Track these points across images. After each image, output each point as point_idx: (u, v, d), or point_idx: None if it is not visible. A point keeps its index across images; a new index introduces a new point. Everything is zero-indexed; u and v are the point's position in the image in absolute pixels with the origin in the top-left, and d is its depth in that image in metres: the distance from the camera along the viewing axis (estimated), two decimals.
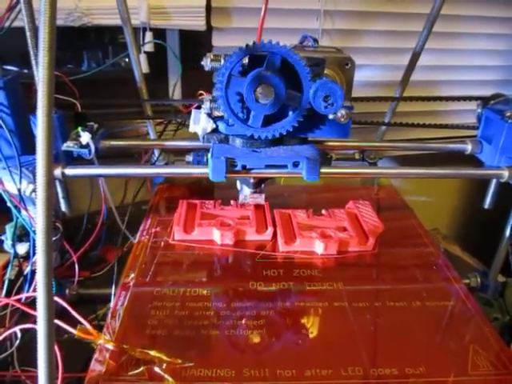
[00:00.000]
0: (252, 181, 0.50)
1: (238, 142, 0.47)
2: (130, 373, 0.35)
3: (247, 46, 0.41)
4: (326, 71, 0.46)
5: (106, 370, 0.35)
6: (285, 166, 0.45)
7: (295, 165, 0.45)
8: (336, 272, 0.48)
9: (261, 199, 0.52)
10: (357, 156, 0.78)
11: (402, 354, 0.38)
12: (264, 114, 0.43)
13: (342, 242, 0.51)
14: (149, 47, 0.71)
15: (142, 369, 0.36)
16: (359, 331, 0.40)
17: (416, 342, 0.40)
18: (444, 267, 0.50)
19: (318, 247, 0.51)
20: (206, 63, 0.44)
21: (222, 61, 0.43)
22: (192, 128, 0.48)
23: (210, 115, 0.47)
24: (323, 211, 0.57)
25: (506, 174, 0.49)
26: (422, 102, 0.67)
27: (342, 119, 0.44)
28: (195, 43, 0.78)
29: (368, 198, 0.62)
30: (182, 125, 0.72)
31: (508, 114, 0.52)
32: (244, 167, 0.45)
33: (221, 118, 0.46)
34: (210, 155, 0.45)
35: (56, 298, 0.43)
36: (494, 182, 0.52)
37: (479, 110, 0.58)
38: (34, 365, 0.33)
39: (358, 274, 0.49)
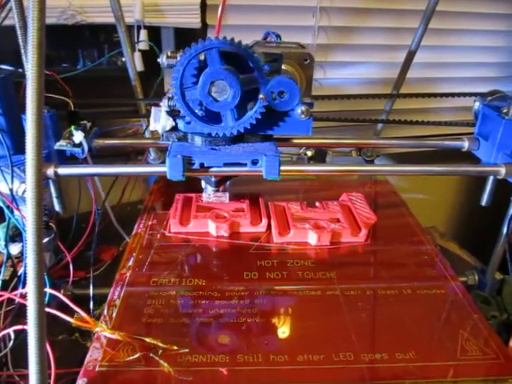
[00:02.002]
0: (213, 179, 0.49)
1: (197, 139, 0.46)
2: (127, 359, 0.36)
3: (200, 43, 0.40)
4: (285, 67, 0.46)
5: (103, 356, 0.36)
6: (244, 164, 0.45)
7: (254, 162, 0.44)
8: (329, 262, 0.50)
9: (225, 198, 0.52)
10: (354, 154, 0.78)
11: (392, 340, 0.39)
12: (230, 108, 0.42)
13: (335, 233, 0.52)
14: (143, 45, 0.70)
15: (138, 355, 0.36)
16: (351, 318, 0.41)
17: (407, 329, 0.40)
18: (439, 262, 0.50)
19: (312, 238, 0.52)
20: (162, 60, 0.43)
21: (178, 57, 0.42)
22: (153, 126, 0.47)
23: (169, 113, 0.46)
24: (317, 203, 0.58)
25: (503, 170, 0.49)
26: (419, 98, 0.67)
27: (303, 116, 0.43)
28: (190, 41, 0.78)
29: (363, 194, 0.62)
30: None
31: (505, 111, 0.51)
32: (202, 165, 0.44)
33: (180, 115, 0.45)
34: (167, 153, 0.44)
35: (52, 291, 0.43)
36: (491, 179, 0.52)
37: (476, 107, 0.58)
38: (28, 365, 0.32)
39: (350, 264, 0.50)
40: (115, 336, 0.38)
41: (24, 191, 0.47)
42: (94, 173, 0.51)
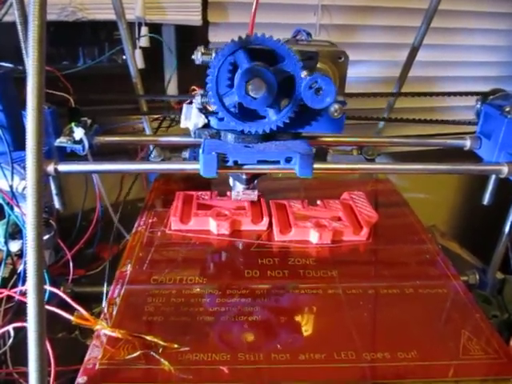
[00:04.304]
0: (244, 177, 0.49)
1: (230, 137, 0.46)
2: (127, 357, 0.36)
3: (237, 40, 0.41)
4: (318, 65, 0.46)
5: (103, 354, 0.36)
6: (277, 162, 0.45)
7: (288, 160, 0.44)
8: (330, 261, 0.49)
9: (254, 195, 0.52)
10: (354, 153, 0.77)
11: (394, 339, 0.39)
12: (269, 103, 0.42)
13: (337, 231, 0.52)
14: (144, 42, 0.70)
15: (138, 353, 0.36)
16: (353, 317, 0.41)
17: (409, 328, 0.40)
18: (440, 261, 0.50)
19: (313, 237, 0.52)
20: (197, 57, 0.43)
21: (214, 54, 0.42)
22: (183, 123, 0.47)
23: (201, 110, 0.46)
24: (318, 202, 0.58)
25: (505, 169, 0.49)
26: (421, 97, 0.66)
27: (336, 114, 0.43)
28: (191, 38, 0.78)
29: (365, 193, 0.62)
30: (175, 121, 0.72)
31: (507, 110, 0.51)
32: (236, 163, 0.44)
33: (212, 113, 0.45)
34: (201, 151, 0.44)
35: (52, 289, 0.43)
36: (493, 177, 0.51)
37: (478, 106, 0.58)
38: (27, 363, 0.32)
39: (352, 262, 0.50)
40: (115, 334, 0.37)
41: (24, 188, 0.47)
42: (97, 170, 0.50)
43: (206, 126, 0.47)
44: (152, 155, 0.71)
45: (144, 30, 0.69)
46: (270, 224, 0.54)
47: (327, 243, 0.52)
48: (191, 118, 0.46)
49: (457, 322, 0.41)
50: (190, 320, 0.40)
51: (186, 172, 0.47)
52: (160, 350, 0.37)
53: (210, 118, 0.46)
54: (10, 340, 0.46)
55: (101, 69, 0.78)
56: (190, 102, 0.47)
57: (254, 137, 0.45)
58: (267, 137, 0.46)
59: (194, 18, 0.71)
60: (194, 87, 0.48)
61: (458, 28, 0.87)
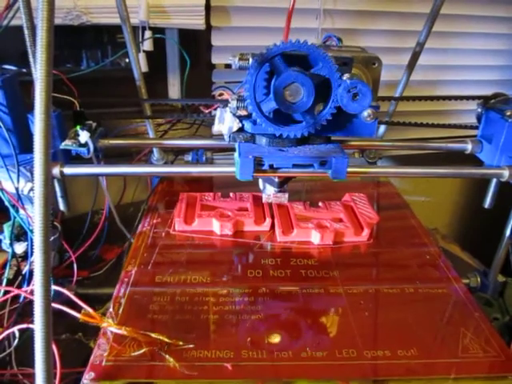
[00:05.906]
0: (277, 180, 0.49)
1: (264, 141, 0.46)
2: (133, 354, 0.37)
3: (273, 46, 0.41)
4: (352, 70, 0.46)
5: (109, 351, 0.37)
6: (311, 165, 0.45)
7: (322, 164, 0.45)
8: (332, 261, 0.50)
9: (284, 198, 0.51)
10: (356, 156, 0.78)
11: (394, 337, 0.40)
12: (307, 107, 0.42)
13: (338, 232, 0.53)
14: (148, 46, 0.71)
15: (143, 350, 0.37)
16: (354, 316, 0.42)
17: (409, 327, 0.41)
18: (441, 263, 0.51)
19: (315, 237, 0.53)
20: (234, 62, 0.43)
21: (250, 60, 0.42)
22: (217, 127, 0.47)
23: (234, 114, 0.46)
24: (320, 203, 0.59)
25: (506, 173, 0.49)
26: (422, 101, 0.67)
27: (369, 118, 0.44)
28: (194, 42, 0.78)
29: (366, 196, 0.62)
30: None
31: (508, 113, 0.51)
32: (271, 166, 0.45)
33: (246, 116, 0.46)
34: (236, 154, 0.45)
35: (57, 288, 0.43)
36: (494, 181, 0.52)
37: (479, 110, 0.58)
38: (32, 364, 0.32)
39: (353, 263, 0.51)
40: (121, 331, 0.38)
41: (30, 190, 0.47)
42: (102, 172, 0.51)
43: (240, 129, 0.47)
44: (154, 158, 0.71)
45: (148, 33, 0.70)
46: (273, 225, 0.55)
47: (329, 244, 0.52)
48: (225, 121, 0.47)
49: (456, 320, 0.42)
50: (194, 318, 0.41)
51: (191, 175, 0.48)
52: (165, 347, 0.38)
53: (244, 121, 0.47)
54: (15, 341, 0.46)
55: (103, 72, 0.78)
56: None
57: (288, 141, 0.46)
58: (300, 141, 0.46)
59: (198, 22, 0.72)
60: (221, 92, 0.49)
61: (460, 32, 0.87)
